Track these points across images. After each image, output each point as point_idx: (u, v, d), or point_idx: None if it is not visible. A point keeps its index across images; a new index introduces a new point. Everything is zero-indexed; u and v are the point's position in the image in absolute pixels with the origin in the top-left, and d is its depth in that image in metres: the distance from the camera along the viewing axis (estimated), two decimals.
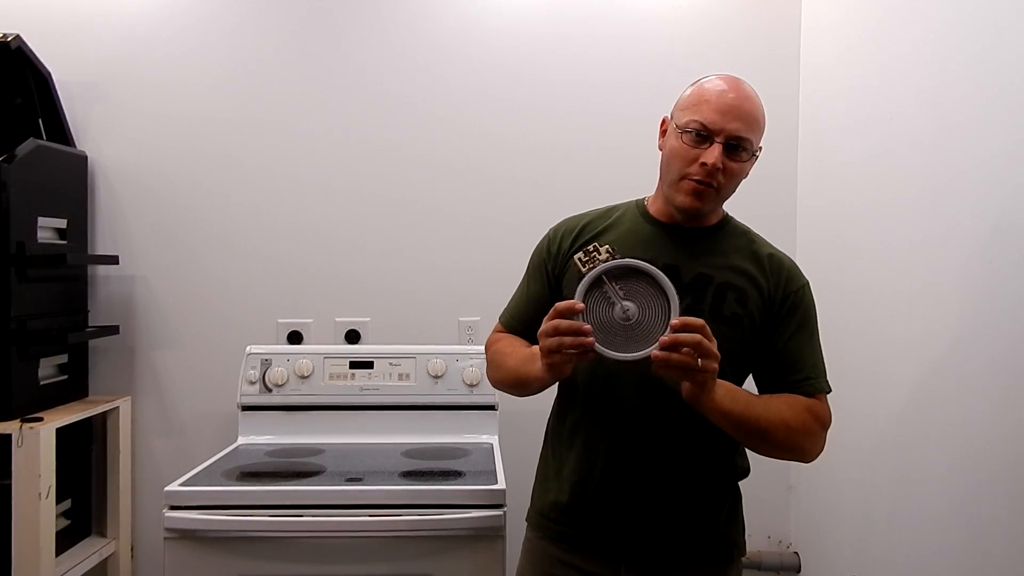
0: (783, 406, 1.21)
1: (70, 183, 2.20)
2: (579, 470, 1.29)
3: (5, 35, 2.01)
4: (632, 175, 2.26)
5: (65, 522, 2.11)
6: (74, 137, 2.25)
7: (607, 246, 1.17)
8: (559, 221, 1.40)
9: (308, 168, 2.32)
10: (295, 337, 2.30)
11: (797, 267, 1.33)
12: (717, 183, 1.22)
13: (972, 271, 1.44)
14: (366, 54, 2.32)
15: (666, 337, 1.06)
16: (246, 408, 2.12)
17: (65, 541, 2.08)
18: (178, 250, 2.31)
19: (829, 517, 2.06)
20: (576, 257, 1.18)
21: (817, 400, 1.26)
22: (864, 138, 1.89)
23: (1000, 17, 1.39)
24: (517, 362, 1.28)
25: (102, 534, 2.23)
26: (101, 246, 2.30)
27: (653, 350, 1.06)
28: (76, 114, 2.27)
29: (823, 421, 1.25)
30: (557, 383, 1.27)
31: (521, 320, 1.39)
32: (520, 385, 1.29)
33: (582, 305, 1.11)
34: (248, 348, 2.17)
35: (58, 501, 1.99)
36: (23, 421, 1.90)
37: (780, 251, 1.34)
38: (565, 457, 1.32)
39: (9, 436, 1.86)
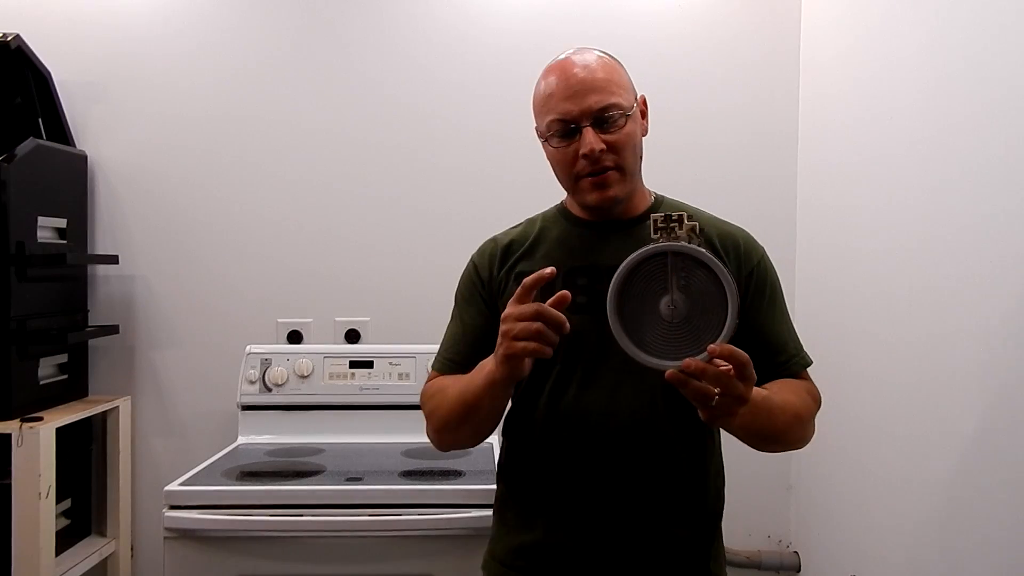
0: (792, 397, 1.12)
1: (70, 183, 2.20)
2: (539, 512, 1.17)
3: (5, 35, 2.01)
4: None
5: (65, 522, 2.11)
6: (74, 137, 2.25)
7: (694, 224, 0.94)
8: (477, 248, 1.30)
9: (307, 168, 2.32)
10: (295, 337, 2.30)
11: (751, 237, 1.23)
12: (612, 163, 1.12)
13: (973, 271, 1.44)
14: (367, 55, 2.32)
15: (692, 361, 0.88)
16: (246, 408, 2.12)
17: (65, 541, 2.08)
18: (178, 250, 2.31)
19: (829, 517, 2.06)
20: (653, 217, 0.94)
21: (807, 379, 1.19)
22: (864, 138, 1.89)
23: (1000, 15, 1.39)
24: (462, 385, 1.12)
25: (102, 534, 2.23)
26: (101, 246, 2.30)
27: (674, 367, 0.90)
28: (76, 114, 2.27)
29: (819, 401, 1.19)
30: (502, 419, 1.16)
31: (464, 355, 1.21)
32: (468, 406, 1.11)
33: (551, 271, 0.98)
34: (248, 348, 2.17)
35: (58, 501, 1.98)
36: (23, 421, 1.90)
37: (729, 223, 1.24)
38: (521, 498, 1.21)
39: (9, 436, 1.86)
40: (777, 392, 1.11)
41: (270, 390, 2.12)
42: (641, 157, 1.19)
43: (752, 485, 2.29)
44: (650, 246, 0.93)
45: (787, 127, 2.30)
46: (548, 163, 1.20)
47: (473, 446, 1.20)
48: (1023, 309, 1.30)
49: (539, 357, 0.98)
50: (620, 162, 1.13)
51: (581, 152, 1.11)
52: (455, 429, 1.15)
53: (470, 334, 1.24)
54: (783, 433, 1.10)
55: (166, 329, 2.31)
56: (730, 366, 0.89)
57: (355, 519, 1.59)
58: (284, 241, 2.32)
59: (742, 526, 2.30)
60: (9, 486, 1.86)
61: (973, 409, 1.42)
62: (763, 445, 1.13)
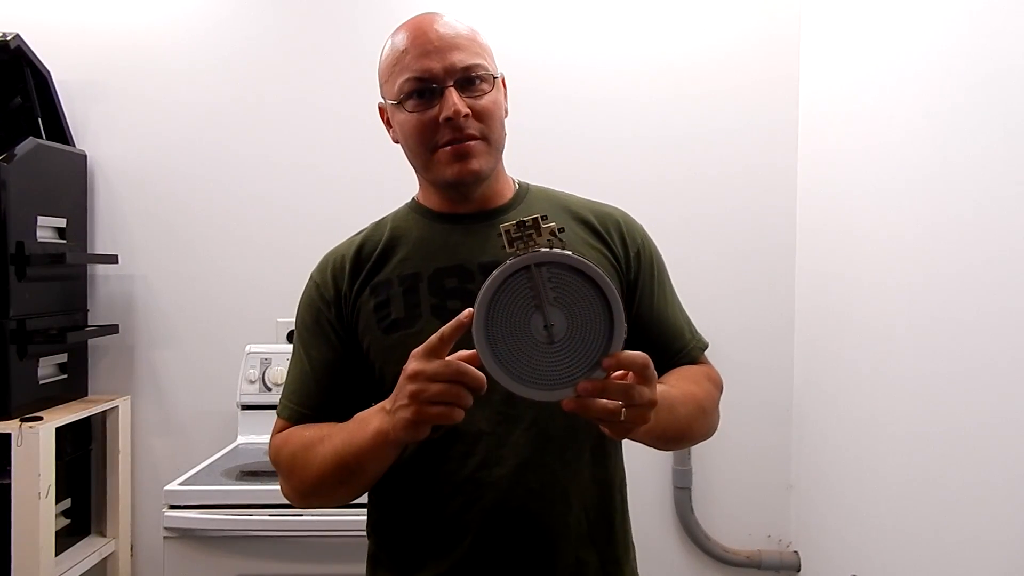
0: (693, 387, 1.02)
1: (69, 182, 2.20)
2: (419, 569, 1.00)
3: (5, 35, 2.01)
4: (632, 174, 2.27)
5: (65, 521, 2.11)
6: (73, 136, 2.25)
7: (552, 225, 0.80)
8: (316, 265, 1.11)
9: (308, 166, 2.32)
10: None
11: (627, 213, 1.12)
12: (478, 132, 0.98)
13: (974, 267, 1.43)
14: (367, 51, 2.29)
15: (588, 384, 0.78)
16: (246, 407, 2.12)
17: (65, 540, 2.08)
18: (177, 249, 2.31)
19: (829, 516, 2.06)
20: (503, 228, 0.79)
21: (706, 363, 1.10)
22: (864, 134, 1.89)
23: (999, 13, 1.39)
24: (340, 441, 0.93)
25: (102, 533, 2.23)
26: (100, 245, 2.30)
27: (568, 394, 0.79)
28: (75, 113, 2.27)
29: (720, 386, 1.10)
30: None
31: (316, 400, 1.03)
32: (347, 468, 0.93)
33: (468, 313, 0.79)
34: (248, 347, 2.17)
35: (58, 500, 1.99)
36: (23, 420, 1.90)
37: (601, 202, 1.12)
38: (397, 554, 1.03)
39: (9, 435, 1.86)
40: (676, 384, 1.00)
41: (270, 390, 2.11)
42: (505, 135, 1.04)
43: (752, 485, 2.29)
44: (509, 262, 0.79)
45: (787, 126, 2.28)
46: (401, 137, 1.04)
47: (349, 502, 1.01)
48: None
49: (449, 423, 0.81)
50: (486, 131, 0.98)
51: (443, 116, 0.95)
52: (329, 492, 0.98)
53: (321, 374, 1.04)
54: (687, 428, 1.00)
55: (166, 329, 2.31)
56: (629, 372, 0.79)
57: (355, 518, 1.59)
58: (284, 240, 2.32)
59: (742, 526, 2.29)
60: (9, 486, 1.87)
61: (974, 408, 1.42)
62: (667, 445, 1.03)
